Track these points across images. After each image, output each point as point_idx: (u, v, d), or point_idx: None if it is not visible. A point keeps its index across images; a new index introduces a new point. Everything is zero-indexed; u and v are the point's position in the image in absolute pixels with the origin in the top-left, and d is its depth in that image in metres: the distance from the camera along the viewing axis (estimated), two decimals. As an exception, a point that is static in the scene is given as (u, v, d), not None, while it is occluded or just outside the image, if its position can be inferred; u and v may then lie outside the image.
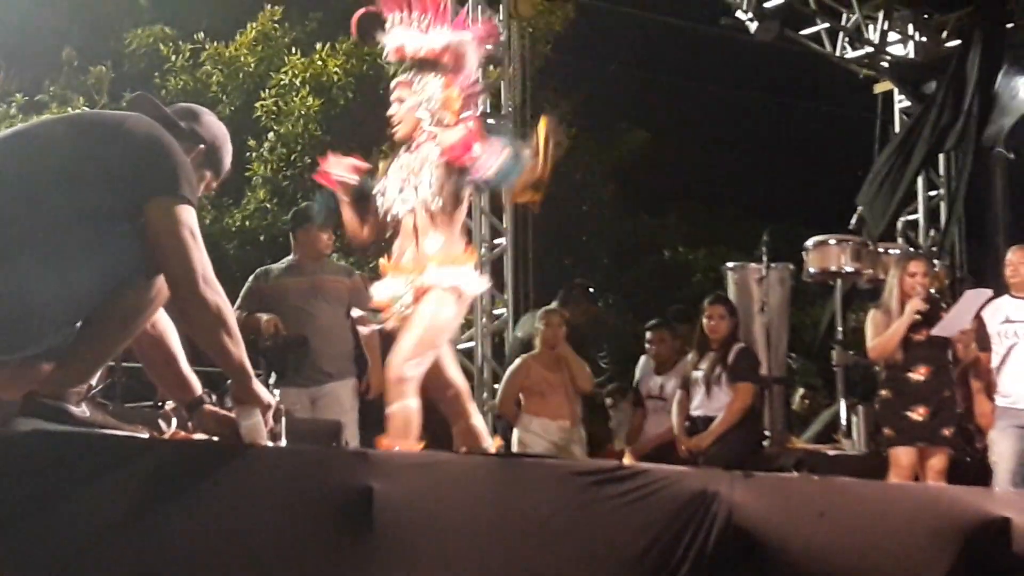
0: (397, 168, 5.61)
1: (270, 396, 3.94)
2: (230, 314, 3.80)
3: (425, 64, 5.60)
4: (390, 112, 5.67)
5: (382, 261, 5.74)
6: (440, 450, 5.13)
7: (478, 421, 5.76)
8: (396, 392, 5.34)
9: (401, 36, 5.60)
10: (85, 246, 3.62)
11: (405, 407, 5.32)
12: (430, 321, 5.40)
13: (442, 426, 10.98)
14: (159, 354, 4.02)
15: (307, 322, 7.94)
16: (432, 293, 5.43)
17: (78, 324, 3.72)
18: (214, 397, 4.03)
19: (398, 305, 5.53)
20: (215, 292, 3.72)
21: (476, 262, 5.62)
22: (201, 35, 16.52)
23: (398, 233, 5.66)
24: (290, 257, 8.24)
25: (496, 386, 11.00)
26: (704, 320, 9.13)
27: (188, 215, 3.72)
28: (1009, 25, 12.63)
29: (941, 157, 13.28)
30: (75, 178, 3.69)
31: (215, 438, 3.94)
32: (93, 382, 3.87)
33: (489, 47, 5.81)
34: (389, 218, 5.63)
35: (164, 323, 3.92)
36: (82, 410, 3.74)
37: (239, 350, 3.82)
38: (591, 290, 11.17)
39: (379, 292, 5.65)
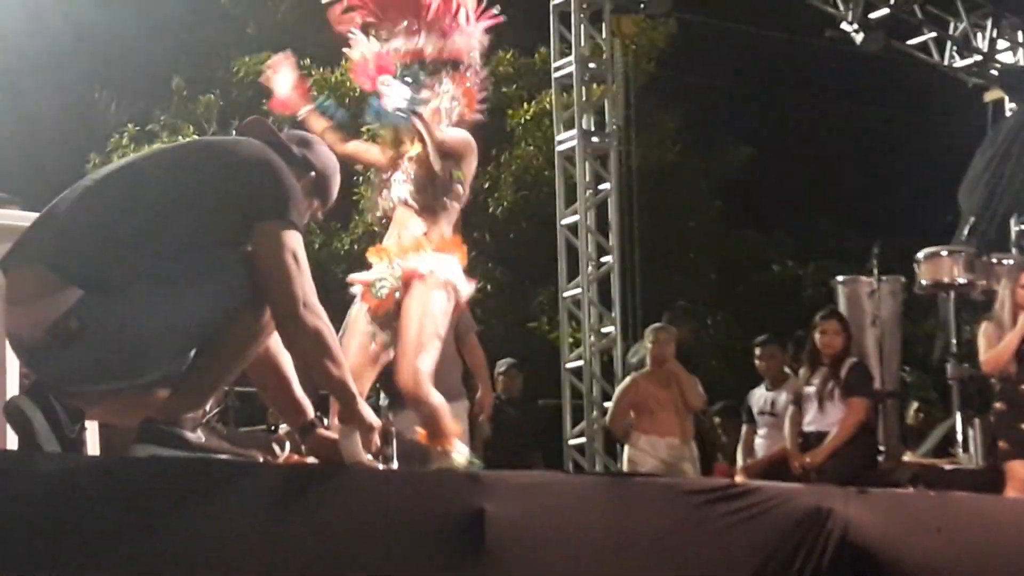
0: (407, 160, 5.58)
1: (375, 417, 3.96)
2: (331, 338, 3.82)
3: (444, 65, 5.58)
4: None
5: (369, 251, 5.69)
6: (546, 468, 5.12)
7: None
8: (416, 394, 5.21)
9: (417, 40, 5.57)
10: (198, 273, 3.66)
11: (431, 407, 5.22)
12: (423, 311, 5.26)
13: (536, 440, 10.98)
14: (273, 378, 4.05)
15: None
16: (420, 284, 5.31)
17: (192, 351, 3.77)
18: (326, 421, 4.06)
19: (380, 283, 5.45)
20: (316, 316, 3.74)
21: (463, 257, 5.52)
22: (307, 61, 16.70)
23: (390, 222, 5.63)
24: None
25: (606, 404, 11.00)
26: (817, 335, 9.04)
27: (293, 240, 3.75)
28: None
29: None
30: (186, 206, 3.74)
31: (328, 462, 3.97)
32: (207, 407, 3.91)
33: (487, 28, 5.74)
34: (392, 206, 5.60)
35: (278, 347, 3.94)
36: (197, 435, 3.78)
37: (342, 372, 3.85)
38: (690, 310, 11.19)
39: (363, 276, 5.57)
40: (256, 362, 3.95)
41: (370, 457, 3.93)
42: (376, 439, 3.95)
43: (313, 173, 4.08)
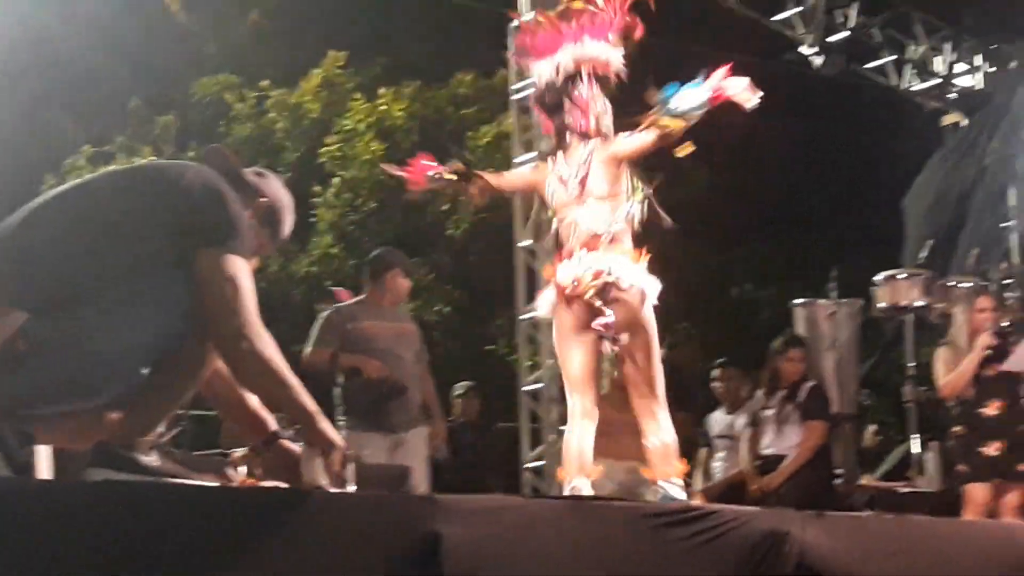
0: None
1: (338, 436, 3.93)
2: (275, 360, 3.74)
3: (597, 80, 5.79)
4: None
5: None
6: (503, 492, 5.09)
7: None
8: None
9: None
10: (147, 295, 3.64)
11: None
12: None
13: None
14: (230, 395, 4.02)
15: (398, 368, 7.96)
16: None
17: (143, 372, 3.74)
18: (290, 432, 4.01)
19: None
20: (255, 341, 3.68)
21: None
22: (266, 83, 16.67)
23: None
24: (361, 298, 8.21)
25: (563, 428, 10.97)
26: (783, 362, 9.05)
27: (234, 266, 3.71)
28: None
29: (1013, 188, 13.11)
30: (135, 228, 3.72)
31: (283, 484, 3.93)
32: (161, 430, 3.88)
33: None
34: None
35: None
36: (151, 459, 3.75)
37: (290, 392, 3.77)
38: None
39: None
40: (212, 380, 3.92)
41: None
42: (337, 458, 3.91)
43: (264, 199, 4.06)
